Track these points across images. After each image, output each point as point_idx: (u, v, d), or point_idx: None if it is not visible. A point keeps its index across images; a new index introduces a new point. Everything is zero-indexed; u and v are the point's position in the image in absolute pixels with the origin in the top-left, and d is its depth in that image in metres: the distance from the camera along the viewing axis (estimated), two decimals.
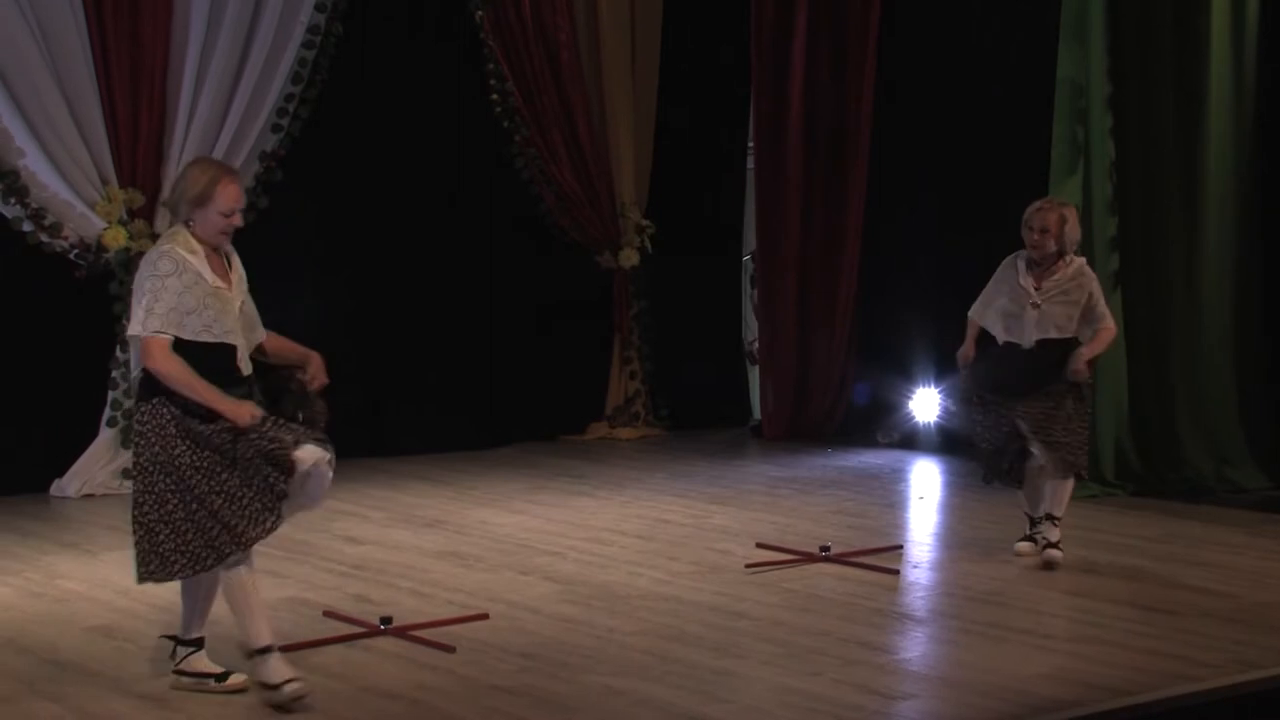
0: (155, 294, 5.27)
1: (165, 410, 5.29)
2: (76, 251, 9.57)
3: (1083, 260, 7.50)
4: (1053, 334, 7.33)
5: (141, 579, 5.41)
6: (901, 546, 7.92)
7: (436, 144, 11.10)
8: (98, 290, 9.61)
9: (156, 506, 5.30)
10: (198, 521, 5.28)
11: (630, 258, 11.85)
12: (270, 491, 5.32)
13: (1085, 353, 7.33)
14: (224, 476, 5.30)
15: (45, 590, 7.09)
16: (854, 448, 11.17)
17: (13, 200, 9.33)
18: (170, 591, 6.66)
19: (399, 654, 6.00)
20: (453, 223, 11.12)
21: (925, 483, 10.16)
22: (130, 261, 9.56)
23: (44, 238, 9.45)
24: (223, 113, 9.93)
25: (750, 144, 12.29)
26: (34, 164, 9.39)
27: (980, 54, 10.69)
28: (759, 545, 7.86)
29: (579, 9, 11.53)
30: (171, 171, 9.76)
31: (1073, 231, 7.37)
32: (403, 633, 6.21)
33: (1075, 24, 9.26)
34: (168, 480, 5.29)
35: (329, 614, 6.56)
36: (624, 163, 11.79)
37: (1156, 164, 9.38)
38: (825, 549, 7.60)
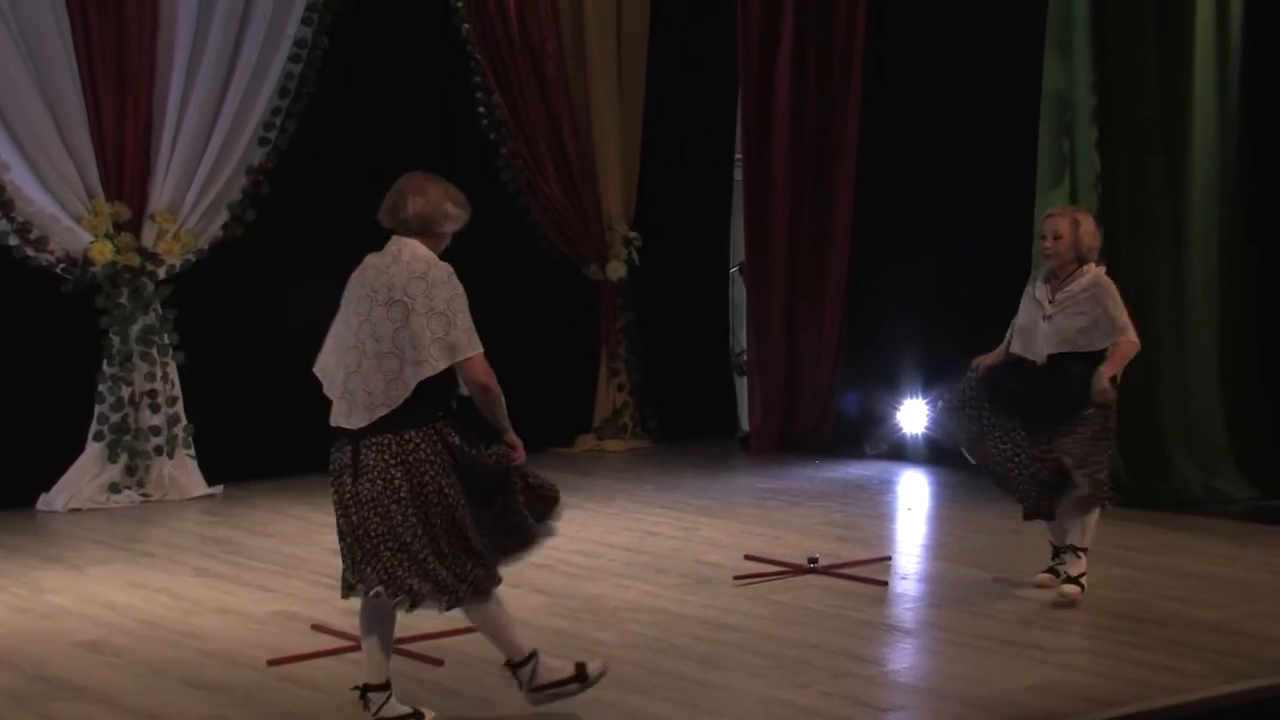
0: (465, 311, 5.29)
1: (440, 439, 5.21)
2: (63, 265, 9.53)
3: (1100, 270, 7.16)
4: (1064, 348, 6.99)
5: (412, 607, 5.26)
6: (890, 558, 7.91)
7: (423, 156, 10.92)
8: (84, 304, 9.59)
9: (426, 537, 5.16)
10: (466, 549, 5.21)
11: (617, 270, 11.83)
12: (519, 533, 5.37)
13: (1105, 371, 6.91)
14: (480, 512, 5.27)
15: (32, 605, 7.06)
16: (842, 459, 11.16)
17: None
18: (157, 605, 6.66)
19: None
20: None
21: (913, 494, 10.16)
22: (117, 275, 9.56)
23: (30, 251, 9.42)
24: (209, 126, 9.90)
25: (738, 155, 12.30)
26: (19, 177, 9.35)
27: (968, 67, 10.70)
28: (747, 557, 7.85)
29: (565, 21, 11.52)
30: (158, 185, 9.75)
31: (1088, 237, 7.05)
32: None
33: (1060, 38, 9.28)
34: (439, 509, 5.17)
35: (317, 628, 6.54)
36: (610, 175, 11.77)
37: (1141, 176, 9.39)
38: (813, 561, 7.59)
